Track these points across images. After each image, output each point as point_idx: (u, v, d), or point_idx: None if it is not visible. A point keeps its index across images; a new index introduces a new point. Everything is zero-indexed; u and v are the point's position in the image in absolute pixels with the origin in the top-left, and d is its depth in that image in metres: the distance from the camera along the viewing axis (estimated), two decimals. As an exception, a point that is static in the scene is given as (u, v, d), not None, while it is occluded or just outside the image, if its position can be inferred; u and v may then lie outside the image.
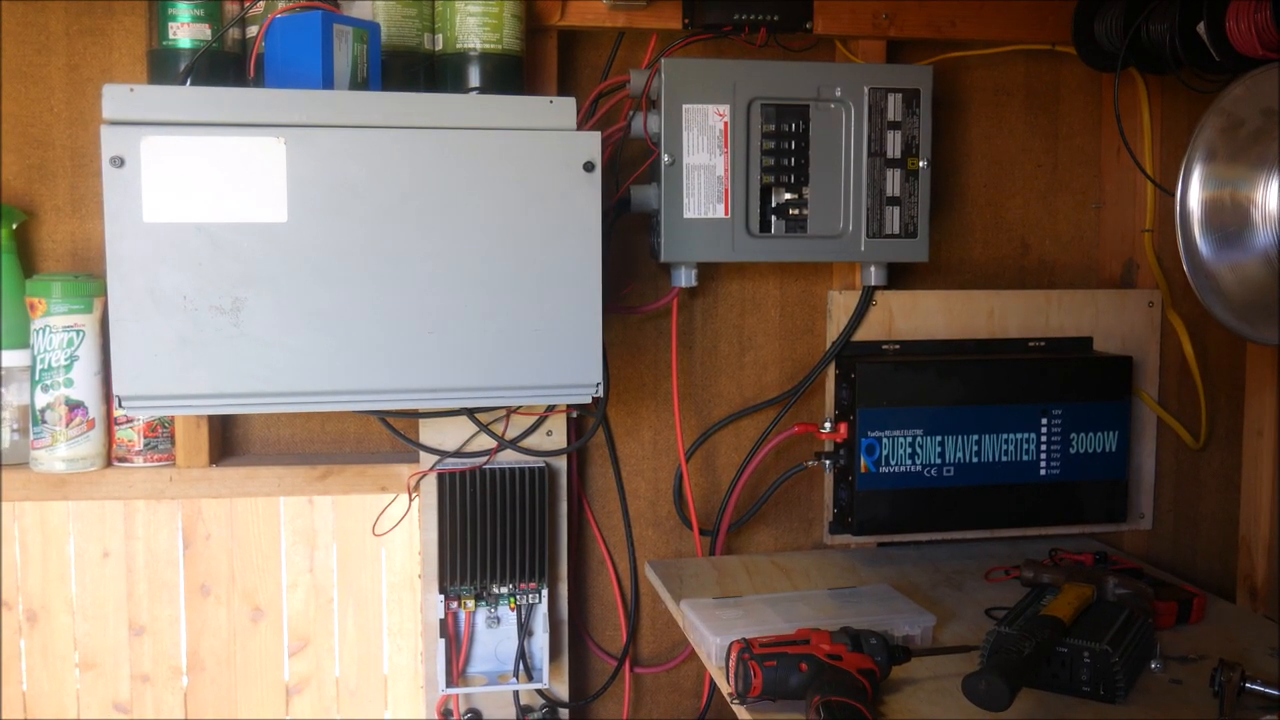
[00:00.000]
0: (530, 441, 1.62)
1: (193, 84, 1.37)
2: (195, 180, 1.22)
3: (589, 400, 1.35)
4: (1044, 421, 1.67)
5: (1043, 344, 1.76)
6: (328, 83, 1.29)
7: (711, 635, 1.29)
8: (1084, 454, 1.69)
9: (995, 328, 1.75)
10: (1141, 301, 1.80)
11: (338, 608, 2.12)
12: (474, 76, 1.47)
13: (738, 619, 1.34)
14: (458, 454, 1.60)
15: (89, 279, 1.52)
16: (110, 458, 1.57)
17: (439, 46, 1.49)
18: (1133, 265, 1.82)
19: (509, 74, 1.48)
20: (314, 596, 2.13)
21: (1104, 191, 1.88)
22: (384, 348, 1.28)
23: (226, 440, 1.67)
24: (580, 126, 1.38)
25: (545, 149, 1.29)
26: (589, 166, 1.30)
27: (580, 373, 1.33)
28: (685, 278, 1.61)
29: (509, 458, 1.61)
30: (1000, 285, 1.85)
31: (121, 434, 1.56)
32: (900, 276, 1.77)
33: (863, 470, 1.62)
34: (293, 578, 2.11)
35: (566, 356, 1.32)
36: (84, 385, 1.51)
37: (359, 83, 1.34)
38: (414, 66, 1.48)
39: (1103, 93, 1.87)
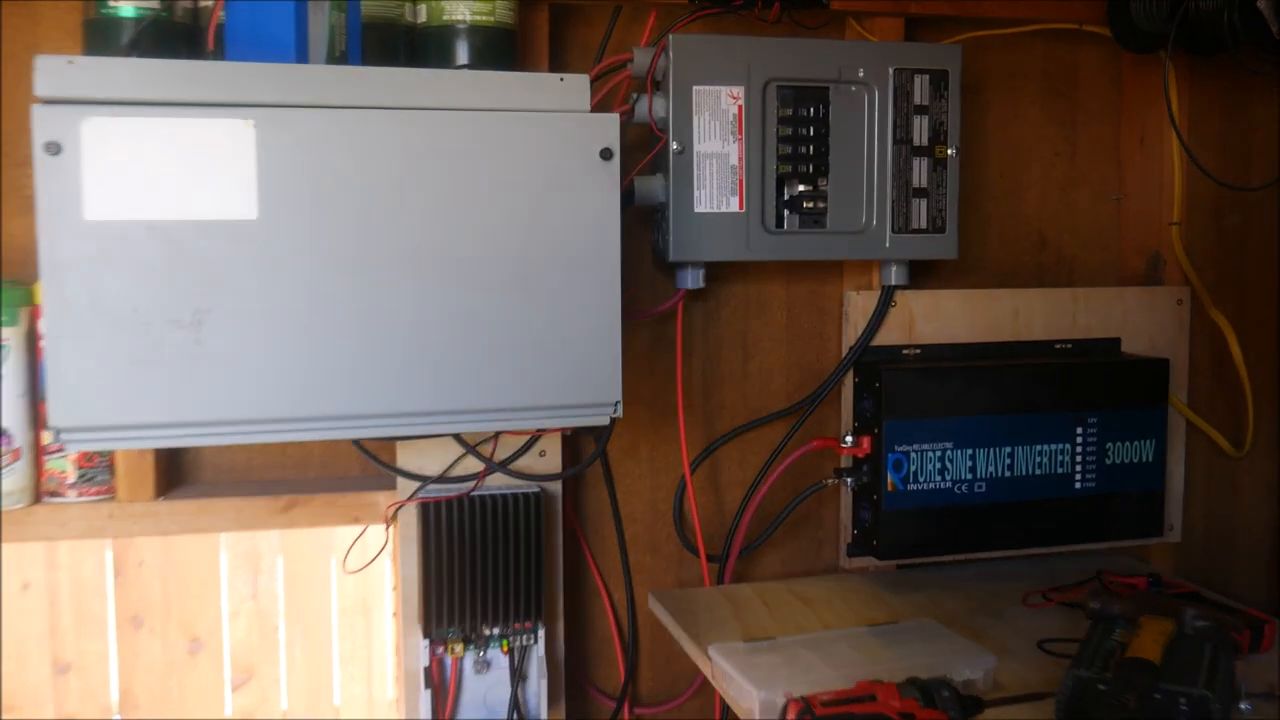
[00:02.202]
0: (522, 464, 1.44)
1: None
2: (147, 170, 1.03)
3: (606, 421, 1.18)
4: (1079, 431, 1.54)
5: (1069, 346, 1.64)
6: (301, 57, 1.10)
7: (755, 689, 1.13)
8: (1120, 465, 1.56)
9: (1020, 329, 1.62)
10: (1170, 300, 1.68)
11: (284, 636, 1.96)
12: (462, 53, 1.29)
13: (778, 667, 1.18)
14: (441, 479, 1.42)
15: (14, 286, 1.31)
16: (39, 492, 1.36)
17: (422, 18, 1.31)
18: (1158, 260, 1.70)
19: (501, 50, 1.30)
20: (258, 624, 1.95)
21: (1125, 183, 1.76)
22: (372, 366, 1.10)
23: (173, 468, 1.47)
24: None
25: (555, 134, 1.12)
26: (606, 154, 1.13)
27: (597, 390, 1.16)
28: (693, 279, 1.45)
29: (499, 482, 1.44)
30: (1017, 283, 1.72)
31: (52, 465, 1.35)
32: (911, 275, 1.62)
33: (889, 488, 1.48)
34: (234, 605, 1.93)
35: (581, 371, 1.15)
36: (8, 410, 1.30)
37: (336, 58, 1.15)
38: (393, 41, 1.29)
39: (1123, 77, 1.75)
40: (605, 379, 1.16)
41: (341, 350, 1.09)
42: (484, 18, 1.28)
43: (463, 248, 1.11)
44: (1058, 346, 1.63)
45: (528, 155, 1.12)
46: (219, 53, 1.14)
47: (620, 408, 1.17)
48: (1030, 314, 1.62)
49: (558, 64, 1.51)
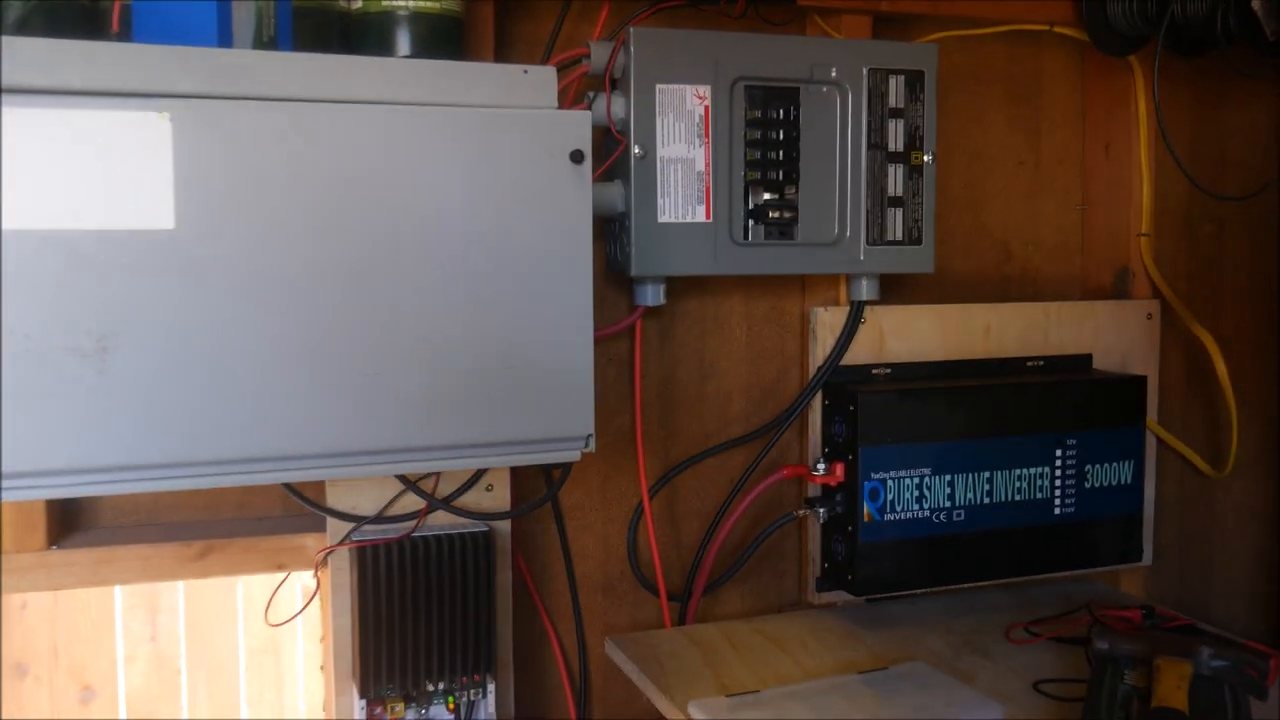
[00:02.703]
0: (468, 500, 1.30)
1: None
2: (41, 170, 0.87)
3: (577, 457, 1.05)
4: (1059, 453, 1.46)
5: (1042, 363, 1.55)
6: (224, 41, 0.95)
7: (751, 755, 1.01)
8: (1100, 488, 1.48)
9: (992, 346, 1.53)
10: (1139, 314, 1.61)
11: (186, 681, 1.83)
12: (403, 43, 1.15)
13: (770, 726, 1.07)
14: (378, 519, 1.27)
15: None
16: (-91, 544, 1.18)
17: (358, 4, 1.16)
18: (1127, 274, 1.63)
19: (448, 41, 1.17)
20: (157, 669, 1.82)
21: (1090, 192, 1.69)
22: (307, 399, 0.95)
23: (68, 512, 1.29)
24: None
25: (519, 133, 0.99)
26: (577, 156, 1.00)
27: (566, 422, 1.03)
28: (653, 295, 1.33)
29: (442, 521, 1.29)
30: (982, 297, 1.64)
31: (-75, 512, 1.17)
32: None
33: (866, 519, 1.37)
34: (130, 649, 1.80)
35: (549, 402, 1.02)
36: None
37: (264, 44, 1.00)
38: (325, 29, 1.14)
39: (1086, 82, 1.68)
40: (576, 409, 1.03)
41: (271, 382, 0.94)
42: (429, 4, 1.14)
43: (412, 262, 0.97)
44: (1029, 364, 1.55)
45: (487, 157, 0.98)
46: (125, 36, 0.98)
47: (593, 442, 1.05)
48: (1002, 330, 1.54)
49: (503, 60, 1.37)
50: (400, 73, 0.97)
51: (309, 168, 0.93)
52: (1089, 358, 1.58)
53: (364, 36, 1.16)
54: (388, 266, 0.96)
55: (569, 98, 1.33)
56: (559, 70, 1.30)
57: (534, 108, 1.00)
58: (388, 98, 0.96)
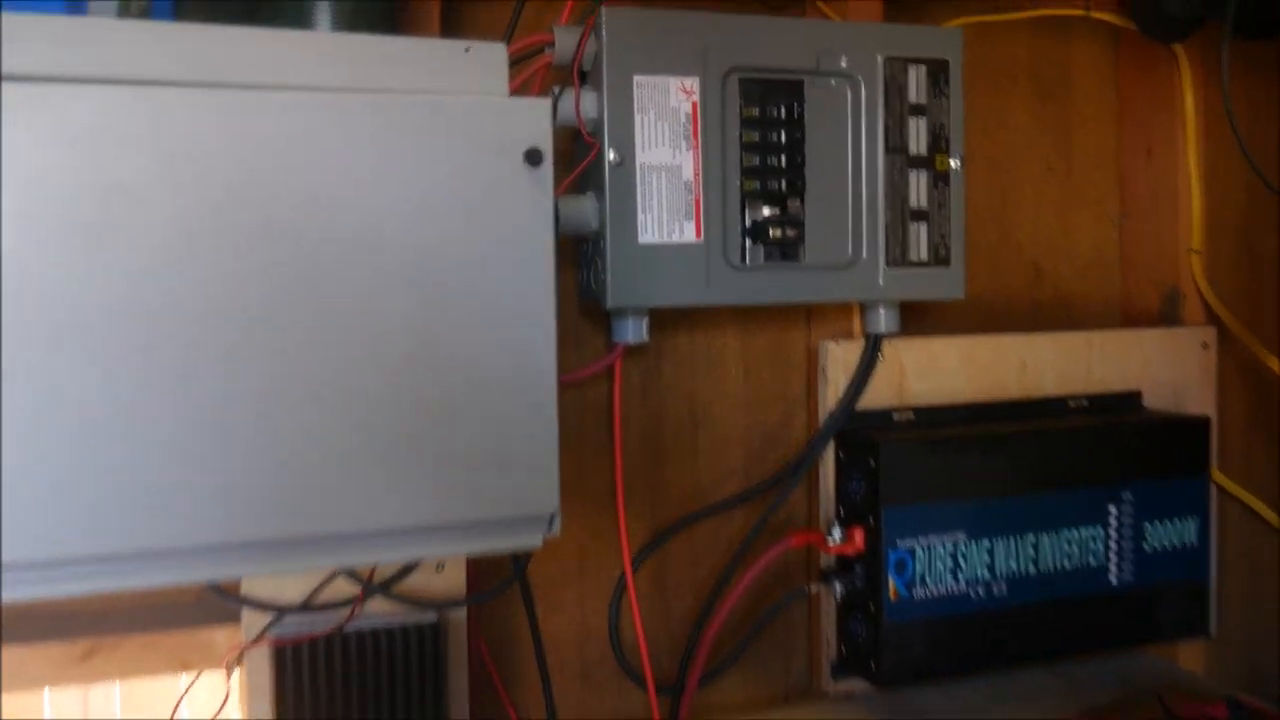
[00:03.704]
0: (414, 584, 1.07)
1: None
2: None
3: (538, 543, 0.82)
4: (1113, 510, 1.24)
5: (1085, 403, 1.34)
6: (75, 7, 0.73)
7: None
8: (1160, 550, 1.26)
9: (1029, 384, 1.31)
10: (1193, 342, 1.40)
11: None
12: (322, 22, 0.93)
13: None
14: (305, 608, 1.04)
15: None
16: None
17: (261, -23, 0.94)
18: (1176, 296, 1.42)
19: (378, 21, 0.94)
20: None
21: (1129, 201, 1.48)
22: (177, 477, 0.72)
23: (-79, 606, 1.05)
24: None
25: (458, 126, 0.77)
26: (533, 157, 0.78)
27: (524, 499, 0.80)
28: (634, 331, 1.10)
29: (382, 608, 1.06)
30: (1010, 324, 1.42)
31: None
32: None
33: (892, 596, 1.15)
34: None
35: (500, 474, 0.79)
36: None
37: (132, 15, 0.78)
38: (225, 4, 0.92)
39: (1120, 76, 1.48)
40: (535, 483, 0.80)
41: (136, 456, 0.71)
42: (350, -23, 0.92)
43: (322, 299, 0.74)
44: (1072, 404, 1.33)
45: (416, 158, 0.76)
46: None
47: (558, 523, 0.82)
48: (1040, 365, 1.32)
49: (449, 52, 1.15)
50: (302, 47, 0.74)
51: (179, 172, 0.70)
52: (1138, 395, 1.36)
53: (274, 13, 0.93)
54: (288, 305, 0.73)
55: (535, 90, 1.11)
56: (519, 63, 1.10)
57: (478, 94, 0.78)
58: (286, 80, 0.73)
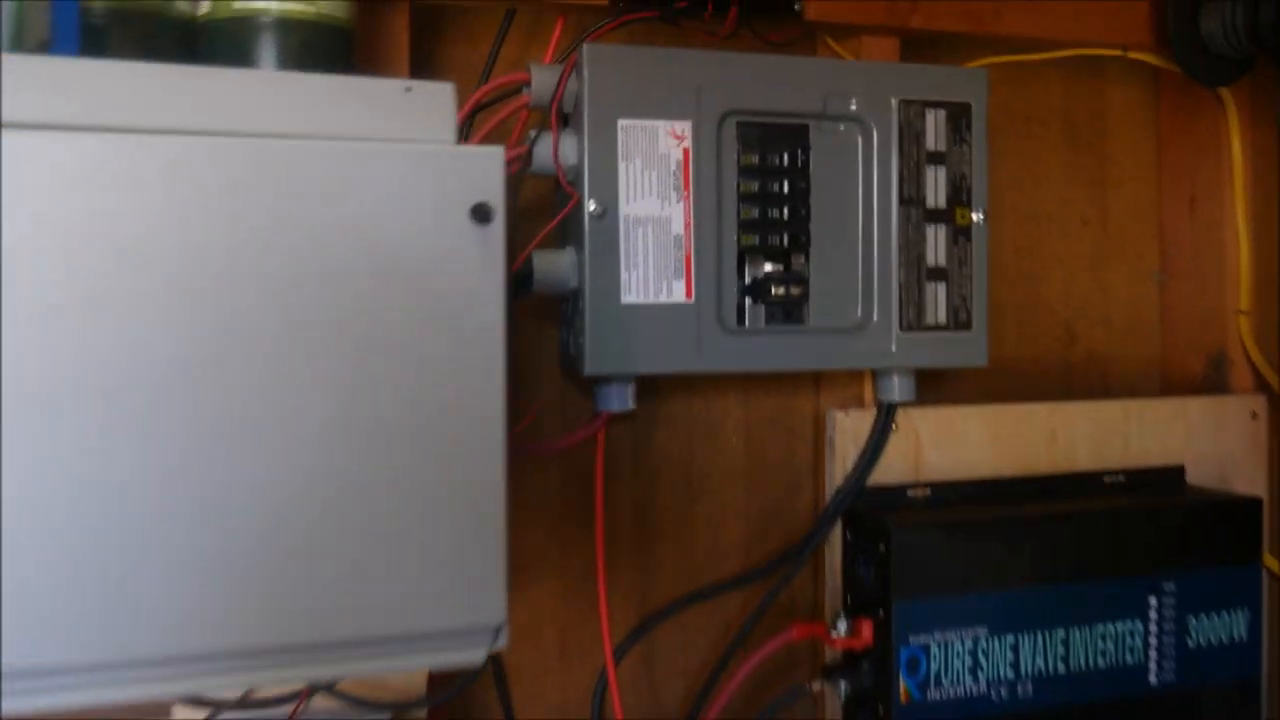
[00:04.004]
0: (365, 679, 0.96)
1: None
2: None
3: (480, 659, 0.71)
4: (1153, 602, 1.11)
5: (1122, 478, 1.21)
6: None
7: None
8: (1206, 646, 1.14)
9: (1059, 457, 1.20)
10: (1241, 412, 1.27)
11: None
12: (266, 60, 0.83)
13: None
14: (242, 704, 0.93)
15: None
16: None
17: (204, 10, 0.84)
18: (1222, 361, 1.30)
19: (329, 57, 0.85)
20: None
21: (1170, 258, 1.36)
22: (61, 587, 0.62)
23: None
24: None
25: (395, 179, 0.67)
26: (482, 213, 0.68)
27: (465, 607, 0.69)
28: (619, 399, 0.99)
29: (329, 705, 0.95)
30: (1041, 391, 1.30)
31: None
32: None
33: (903, 699, 1.02)
34: None
35: (437, 578, 0.68)
36: None
37: (33, 48, 0.69)
38: (159, 39, 0.83)
39: (1162, 121, 1.36)
40: (481, 588, 0.69)
41: (30, 560, 0.61)
42: (300, 8, 0.83)
43: (241, 376, 0.64)
44: (1108, 480, 1.21)
45: (346, 214, 0.66)
46: None
47: (505, 635, 0.70)
48: (1072, 437, 1.20)
49: (422, 91, 1.06)
50: (213, 86, 0.64)
51: (56, 228, 0.60)
52: (1180, 470, 1.24)
53: (213, 50, 0.84)
54: (195, 385, 0.63)
55: (514, 136, 1.01)
56: (496, 100, 1.00)
57: (420, 142, 0.67)
58: (193, 125, 0.64)
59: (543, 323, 1.09)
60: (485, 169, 0.68)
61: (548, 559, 1.14)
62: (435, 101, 0.68)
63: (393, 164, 0.66)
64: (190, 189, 0.63)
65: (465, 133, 1.00)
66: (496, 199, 0.68)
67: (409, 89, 0.67)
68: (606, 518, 1.14)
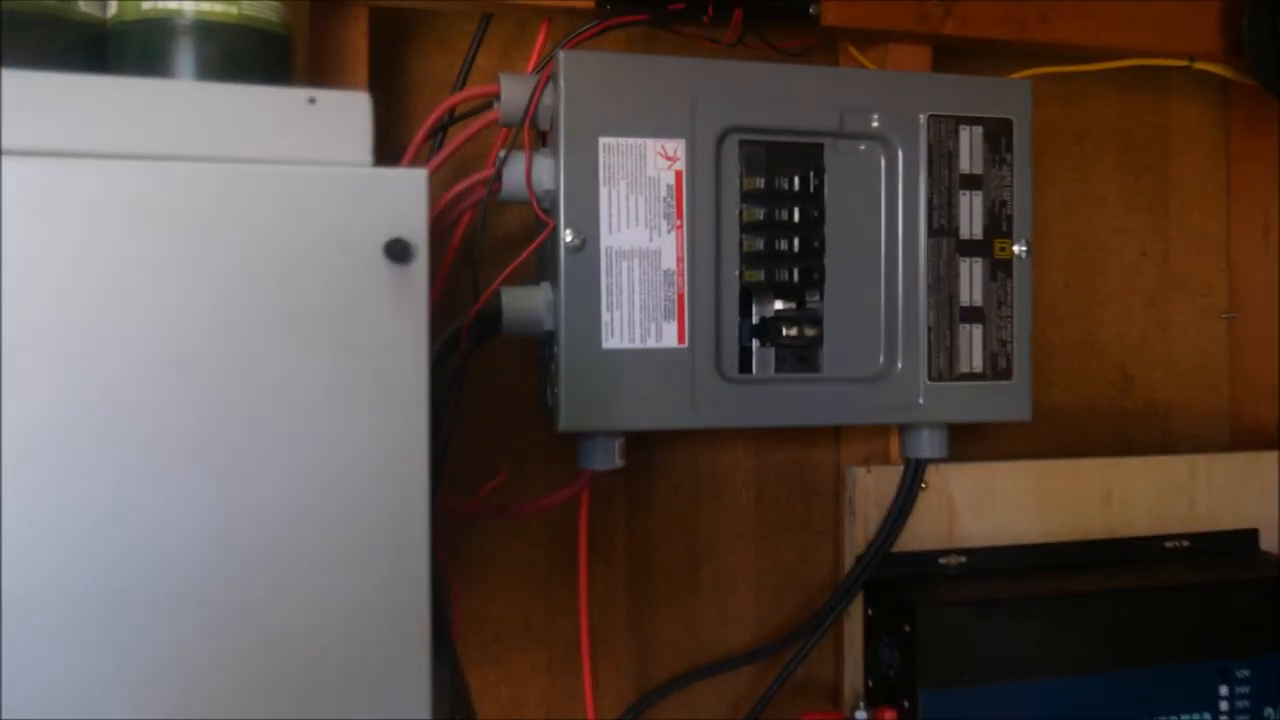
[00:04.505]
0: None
1: None
2: None
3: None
4: (1224, 690, 0.97)
5: (1187, 544, 1.07)
6: None
7: None
8: (1285, 743, 0.99)
9: (1115, 520, 1.05)
10: (1324, 469, 1.12)
11: None
12: (183, 70, 0.72)
13: None
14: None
15: None
16: None
17: (112, 12, 0.74)
18: (1301, 410, 1.15)
19: (259, 66, 0.73)
20: None
21: (1240, 294, 1.21)
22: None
23: None
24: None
25: (300, 207, 0.55)
26: (399, 250, 0.55)
27: (386, 706, 0.57)
28: (604, 456, 0.87)
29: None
30: (1094, 444, 1.16)
31: None
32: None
33: (930, 805, 0.89)
34: None
35: (355, 693, 0.56)
36: None
37: None
38: (60, 43, 0.72)
39: (1232, 141, 1.22)
40: (400, 694, 0.57)
41: None
42: (220, 8, 0.72)
43: (95, 443, 0.52)
44: (1170, 546, 1.06)
45: (235, 251, 0.54)
46: None
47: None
48: (1129, 497, 1.06)
49: (393, 106, 0.95)
50: (79, 96, 0.53)
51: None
52: (1253, 535, 1.09)
53: (122, 58, 0.73)
54: (35, 459, 0.51)
55: (490, 156, 0.89)
56: (463, 117, 0.88)
57: (323, 163, 0.55)
58: (54, 146, 0.52)
59: (525, 363, 0.97)
60: (405, 197, 0.56)
61: (531, 629, 1.02)
62: (345, 115, 0.56)
63: (291, 190, 0.54)
64: (56, 220, 0.51)
65: (429, 155, 0.88)
66: (418, 233, 0.56)
67: (313, 100, 0.56)
68: (598, 582, 1.02)
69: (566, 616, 1.01)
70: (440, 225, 0.87)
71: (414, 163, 0.86)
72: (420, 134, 0.85)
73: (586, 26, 0.87)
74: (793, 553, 1.07)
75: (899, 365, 0.89)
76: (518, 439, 0.98)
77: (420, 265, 0.56)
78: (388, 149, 0.87)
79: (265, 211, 0.54)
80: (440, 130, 0.90)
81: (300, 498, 0.54)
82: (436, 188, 0.85)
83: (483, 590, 1.01)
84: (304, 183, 0.55)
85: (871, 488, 0.99)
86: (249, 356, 0.54)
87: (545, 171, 0.83)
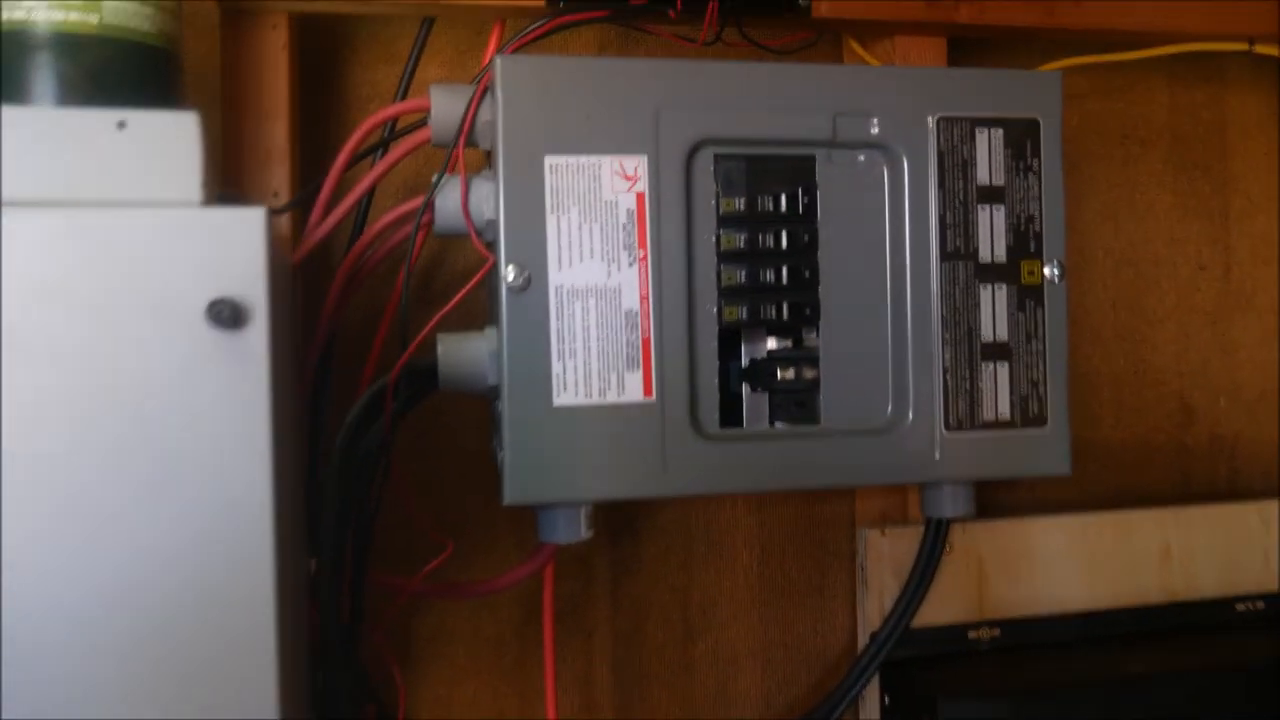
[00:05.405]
0: None
1: None
2: None
3: None
4: (1308, 787, 0.82)
5: (1262, 607, 0.92)
6: None
7: None
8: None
9: (1175, 581, 0.91)
10: None
11: None
12: (41, 90, 0.61)
13: None
14: None
15: None
16: None
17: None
18: (1393, 445, 1.00)
19: (125, 83, 0.62)
20: None
21: (1316, 311, 1.07)
22: None
23: None
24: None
25: (108, 257, 0.43)
26: (229, 314, 0.43)
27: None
28: (567, 527, 0.74)
29: None
30: (1149, 490, 1.02)
31: None
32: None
33: None
34: None
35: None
36: None
37: None
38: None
39: (1301, 138, 1.07)
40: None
41: None
42: (78, 19, 0.60)
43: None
44: (1242, 609, 0.91)
45: (39, 311, 0.42)
46: None
47: None
48: (1192, 553, 0.91)
49: (320, 123, 0.83)
50: None
51: None
52: (1340, 592, 0.94)
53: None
54: None
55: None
56: (397, 138, 0.77)
57: (135, 204, 0.43)
58: None
59: (470, 424, 0.85)
60: (239, 239, 0.43)
61: (503, 716, 0.89)
62: (165, 141, 0.44)
63: (92, 237, 0.42)
64: None
65: (377, 162, 0.76)
66: (255, 290, 0.43)
67: (122, 124, 0.44)
68: (579, 661, 0.90)
69: (542, 703, 0.88)
70: (368, 264, 0.75)
71: (336, 193, 0.74)
72: (341, 159, 0.74)
73: (532, 27, 0.75)
74: (803, 622, 0.94)
75: (910, 415, 0.75)
76: (487, 498, 0.86)
77: (260, 330, 0.43)
78: (318, 176, 0.76)
79: (62, 264, 0.42)
80: (376, 151, 0.78)
81: (138, 568, 0.43)
82: (378, 217, 0.74)
83: (448, 673, 0.89)
84: (103, 229, 0.43)
85: (886, 552, 0.85)
86: (79, 445, 0.42)
87: (485, 198, 0.71)
